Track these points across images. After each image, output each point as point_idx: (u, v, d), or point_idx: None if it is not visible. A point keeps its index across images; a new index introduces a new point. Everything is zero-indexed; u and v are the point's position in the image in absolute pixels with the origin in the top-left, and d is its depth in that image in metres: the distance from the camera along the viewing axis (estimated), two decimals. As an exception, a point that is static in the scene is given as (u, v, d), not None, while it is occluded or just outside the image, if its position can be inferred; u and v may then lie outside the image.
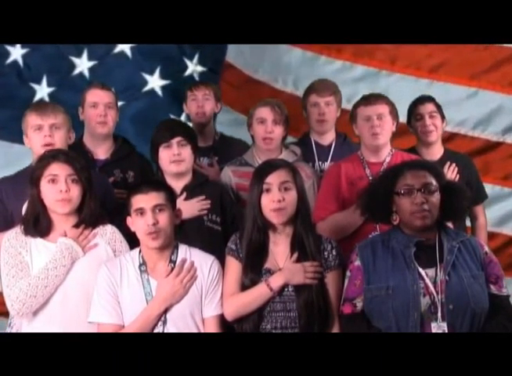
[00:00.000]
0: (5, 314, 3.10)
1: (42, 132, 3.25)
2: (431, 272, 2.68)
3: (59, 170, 2.87)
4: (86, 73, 4.56)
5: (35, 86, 4.52)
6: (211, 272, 2.84)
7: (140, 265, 2.83)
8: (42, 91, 4.52)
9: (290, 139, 3.91)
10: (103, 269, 2.82)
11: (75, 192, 2.87)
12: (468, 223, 3.92)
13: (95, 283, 2.81)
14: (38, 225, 2.89)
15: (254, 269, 2.82)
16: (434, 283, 2.66)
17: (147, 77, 4.64)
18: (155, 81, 4.65)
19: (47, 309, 2.84)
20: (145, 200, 2.77)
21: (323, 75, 4.32)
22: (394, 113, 3.52)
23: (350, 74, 4.80)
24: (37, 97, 4.51)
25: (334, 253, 2.85)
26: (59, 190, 2.85)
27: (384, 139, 3.47)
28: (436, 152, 3.85)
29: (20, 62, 4.51)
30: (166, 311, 2.77)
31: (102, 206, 3.02)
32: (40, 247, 2.88)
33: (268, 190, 2.81)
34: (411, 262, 2.69)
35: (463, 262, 2.70)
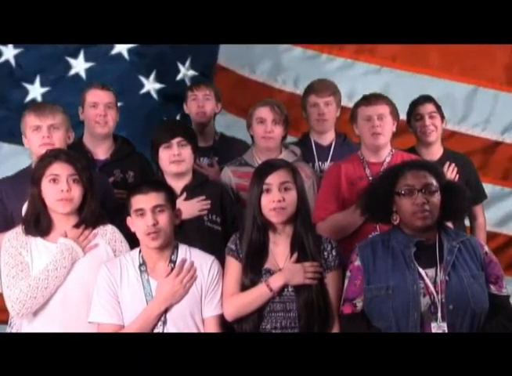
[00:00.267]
0: (5, 322, 3.11)
1: (41, 133, 3.24)
2: (431, 272, 2.68)
3: (60, 170, 2.87)
4: (83, 74, 4.54)
5: (28, 86, 4.49)
6: (211, 273, 2.84)
7: (140, 265, 2.83)
8: (35, 91, 4.49)
9: (289, 139, 3.91)
10: (103, 269, 2.82)
11: (76, 192, 2.87)
12: (467, 223, 3.92)
13: (95, 284, 2.81)
14: (39, 224, 2.88)
15: (254, 269, 2.81)
16: (434, 283, 2.66)
17: (143, 79, 4.63)
18: (151, 84, 4.64)
19: (47, 309, 2.84)
20: (145, 201, 2.77)
21: (324, 73, 4.32)
22: (394, 113, 3.52)
23: (351, 72, 4.79)
24: (29, 97, 4.48)
25: (334, 253, 2.84)
26: (60, 190, 2.85)
27: (384, 139, 3.46)
28: (436, 152, 3.85)
29: (12, 62, 4.47)
30: (166, 311, 2.77)
31: (103, 206, 3.02)
32: (40, 248, 2.88)
33: (268, 190, 2.81)
34: (411, 262, 2.68)
35: (463, 262, 2.70)
